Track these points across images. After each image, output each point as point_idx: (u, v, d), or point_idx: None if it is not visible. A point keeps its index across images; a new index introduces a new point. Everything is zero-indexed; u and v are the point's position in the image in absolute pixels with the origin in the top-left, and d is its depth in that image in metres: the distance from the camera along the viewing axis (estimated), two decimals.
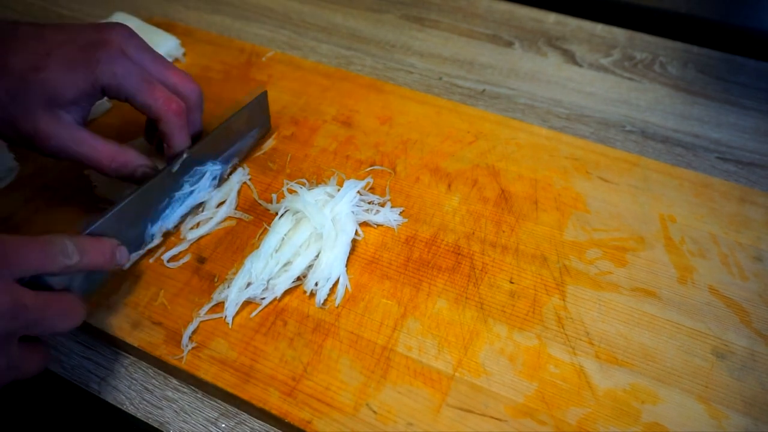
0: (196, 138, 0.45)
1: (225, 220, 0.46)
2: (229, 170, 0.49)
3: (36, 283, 0.32)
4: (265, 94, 0.51)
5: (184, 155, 0.43)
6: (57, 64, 0.38)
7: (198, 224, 0.45)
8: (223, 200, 0.47)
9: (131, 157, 0.41)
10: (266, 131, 0.54)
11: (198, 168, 0.45)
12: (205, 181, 0.46)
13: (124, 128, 0.51)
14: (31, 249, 0.31)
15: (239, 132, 0.49)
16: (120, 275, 0.42)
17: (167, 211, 0.44)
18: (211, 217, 0.46)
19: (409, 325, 0.40)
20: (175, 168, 0.43)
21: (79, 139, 0.39)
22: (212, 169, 0.46)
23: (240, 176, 0.49)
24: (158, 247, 0.44)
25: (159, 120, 0.41)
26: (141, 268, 0.43)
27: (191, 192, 0.45)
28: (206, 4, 0.75)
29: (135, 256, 0.42)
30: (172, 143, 0.42)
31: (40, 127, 0.38)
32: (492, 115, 0.56)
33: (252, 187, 0.49)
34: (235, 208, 0.47)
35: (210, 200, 0.46)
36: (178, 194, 0.44)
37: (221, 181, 0.48)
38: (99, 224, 0.37)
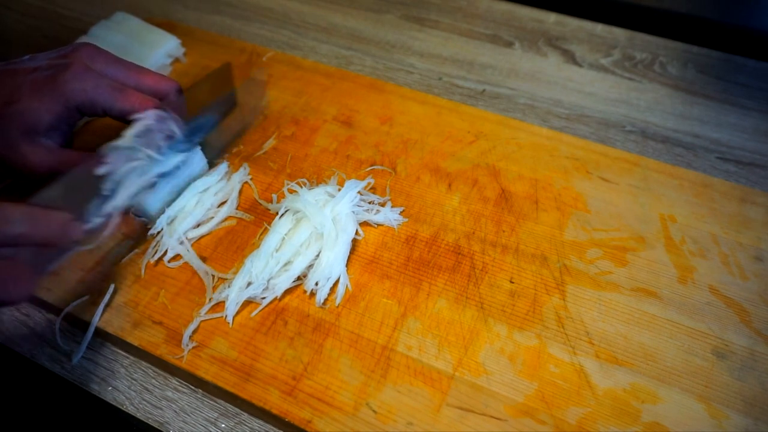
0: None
1: (225, 219, 0.46)
2: (194, 143, 0.46)
3: None
4: (228, 66, 0.48)
5: (137, 123, 0.40)
6: (28, 94, 0.39)
7: (198, 224, 0.45)
8: (224, 200, 0.47)
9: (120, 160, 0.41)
10: (232, 106, 0.50)
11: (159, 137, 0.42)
12: (167, 150, 0.43)
13: (124, 127, 0.51)
14: None
15: (202, 102, 0.46)
16: (121, 275, 0.42)
17: (131, 187, 0.40)
18: (212, 217, 0.46)
19: (410, 324, 0.40)
20: (130, 135, 0.40)
21: (66, 159, 0.40)
22: (163, 127, 0.42)
23: (241, 176, 0.49)
24: (158, 246, 0.44)
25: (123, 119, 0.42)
26: (141, 267, 0.43)
27: (143, 157, 0.41)
28: (206, 4, 0.75)
29: (92, 233, 0.37)
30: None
31: (27, 158, 0.39)
32: (492, 115, 0.56)
33: (253, 186, 0.49)
34: (236, 208, 0.47)
35: (209, 199, 0.46)
36: (137, 165, 0.40)
37: (182, 151, 0.44)
38: (46, 193, 0.34)
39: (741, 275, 0.43)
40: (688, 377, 0.38)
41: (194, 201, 0.46)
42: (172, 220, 0.45)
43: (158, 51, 0.59)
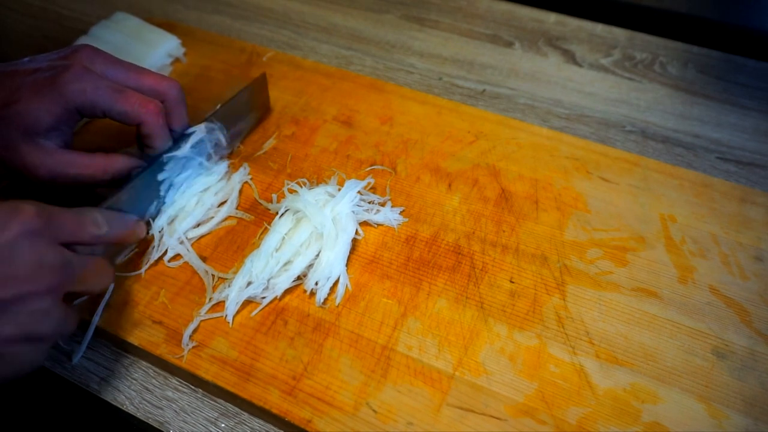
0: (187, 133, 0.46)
1: (225, 219, 0.46)
2: (231, 148, 0.51)
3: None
4: (264, 76, 0.53)
5: (194, 135, 0.45)
6: (27, 95, 0.39)
7: (198, 224, 0.45)
8: (224, 200, 0.47)
9: (122, 163, 0.42)
10: (266, 113, 0.56)
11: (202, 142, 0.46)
12: (205, 152, 0.47)
13: (124, 128, 0.51)
14: (67, 217, 0.33)
15: (239, 111, 0.51)
16: (121, 275, 0.42)
17: (171, 192, 0.46)
18: (212, 217, 0.46)
19: (410, 324, 0.40)
20: (183, 147, 0.44)
21: (67, 161, 0.41)
22: (213, 137, 0.47)
23: (241, 176, 0.49)
24: (158, 246, 0.44)
25: (139, 124, 0.42)
26: (141, 267, 0.43)
27: (195, 165, 0.46)
28: (206, 4, 0.75)
29: (150, 232, 0.44)
30: (154, 144, 0.43)
31: (27, 160, 0.39)
32: (492, 115, 0.56)
33: (253, 186, 0.49)
34: (236, 208, 0.47)
35: (210, 199, 0.46)
36: (181, 175, 0.46)
37: (221, 157, 0.49)
38: (116, 199, 0.40)
39: (741, 275, 0.43)
40: (688, 377, 0.38)
41: (194, 201, 0.46)
42: (172, 220, 0.45)
43: (158, 51, 0.60)
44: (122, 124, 0.42)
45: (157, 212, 0.44)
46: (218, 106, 0.48)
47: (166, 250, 0.43)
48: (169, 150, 0.44)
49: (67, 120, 0.41)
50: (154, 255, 0.43)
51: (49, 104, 0.39)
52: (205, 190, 0.47)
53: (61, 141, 0.41)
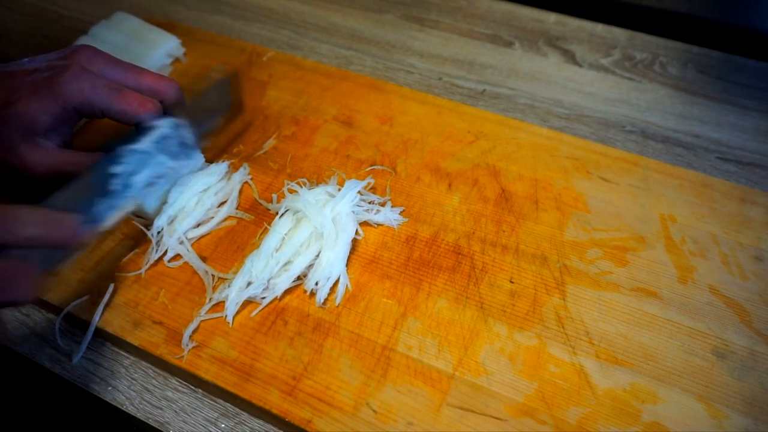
0: None
1: (225, 219, 0.46)
2: (200, 147, 0.47)
3: None
4: (236, 74, 0.50)
5: (157, 129, 0.42)
6: (26, 95, 0.39)
7: (198, 224, 0.45)
8: (224, 200, 0.47)
9: None
10: (238, 112, 0.52)
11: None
12: (181, 157, 0.44)
13: (123, 128, 0.51)
14: None
15: (209, 109, 0.48)
16: (121, 275, 0.42)
17: (127, 191, 0.41)
18: (212, 217, 0.46)
19: (410, 324, 0.40)
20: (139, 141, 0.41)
21: (66, 160, 0.41)
22: (178, 134, 0.44)
23: (241, 176, 0.49)
24: (158, 246, 0.44)
25: (138, 123, 0.42)
26: (141, 267, 0.43)
27: (156, 163, 0.43)
28: (206, 4, 0.75)
29: (92, 232, 0.38)
30: None
31: (26, 159, 0.39)
32: (492, 115, 0.56)
33: (253, 186, 0.49)
34: (236, 208, 0.47)
35: (210, 199, 0.46)
36: (141, 173, 0.41)
37: (187, 156, 0.46)
38: (58, 196, 0.36)
39: (741, 275, 0.43)
40: (688, 377, 0.38)
41: (194, 201, 0.46)
42: (172, 220, 0.45)
43: (158, 51, 0.59)
44: (121, 123, 0.42)
45: (107, 214, 0.39)
46: (186, 102, 0.45)
47: (166, 251, 0.43)
48: (128, 142, 0.40)
49: (65, 120, 0.41)
50: (154, 255, 0.43)
51: (47, 104, 0.39)
52: (205, 190, 0.47)
53: (60, 141, 0.41)
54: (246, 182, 0.49)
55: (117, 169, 0.39)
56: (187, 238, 0.44)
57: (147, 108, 0.41)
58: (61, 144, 0.41)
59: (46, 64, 0.41)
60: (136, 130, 0.42)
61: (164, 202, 0.45)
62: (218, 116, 0.50)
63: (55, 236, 0.32)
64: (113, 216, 0.39)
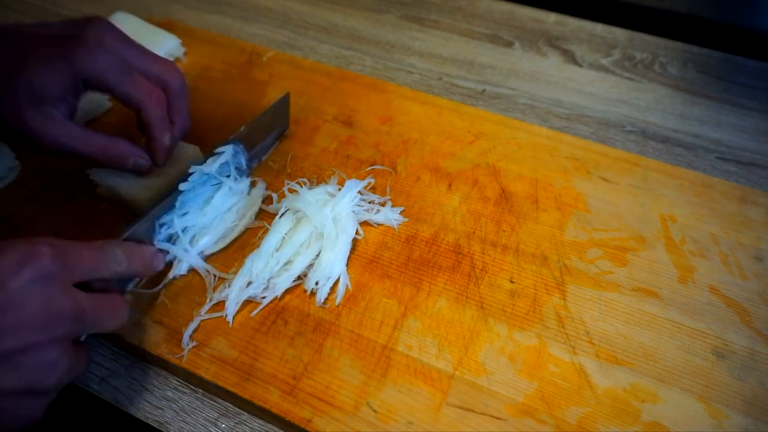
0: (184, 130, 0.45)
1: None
2: (251, 167, 0.49)
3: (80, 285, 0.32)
4: (287, 96, 0.53)
5: (221, 155, 0.44)
6: (37, 61, 0.39)
7: (216, 241, 0.44)
8: (244, 215, 0.46)
9: (123, 148, 0.42)
10: (285, 130, 0.54)
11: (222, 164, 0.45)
12: (238, 179, 0.47)
13: (125, 127, 0.51)
14: (86, 255, 0.32)
15: (262, 132, 0.50)
16: None
17: (181, 209, 0.44)
18: (230, 233, 0.45)
19: (410, 324, 0.40)
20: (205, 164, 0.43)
21: (71, 133, 0.40)
22: (235, 160, 0.46)
23: (260, 191, 0.47)
24: (178, 265, 0.43)
25: (140, 110, 0.41)
26: (159, 284, 0.43)
27: (213, 184, 0.45)
28: (206, 4, 0.75)
29: (164, 260, 0.41)
30: (152, 133, 0.42)
31: (31, 126, 0.39)
32: (492, 115, 0.56)
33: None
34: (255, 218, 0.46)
35: (232, 216, 0.45)
36: (197, 192, 0.44)
37: (243, 174, 0.48)
38: (137, 227, 0.39)
39: (741, 275, 0.43)
40: (688, 377, 0.38)
41: (217, 220, 0.45)
42: (192, 238, 0.43)
43: (158, 51, 0.59)
44: (121, 103, 0.42)
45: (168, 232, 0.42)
46: (241, 128, 0.47)
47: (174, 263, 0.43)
48: (196, 163, 0.43)
49: (72, 90, 0.40)
50: (172, 273, 0.42)
51: (59, 74, 0.39)
52: (229, 209, 0.46)
53: (66, 111, 0.40)
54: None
55: (185, 186, 0.42)
56: (204, 255, 0.44)
57: (152, 97, 0.41)
58: (66, 114, 0.41)
59: (60, 31, 0.40)
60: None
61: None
62: (270, 138, 0.52)
63: (139, 268, 0.36)
64: (183, 234, 0.43)
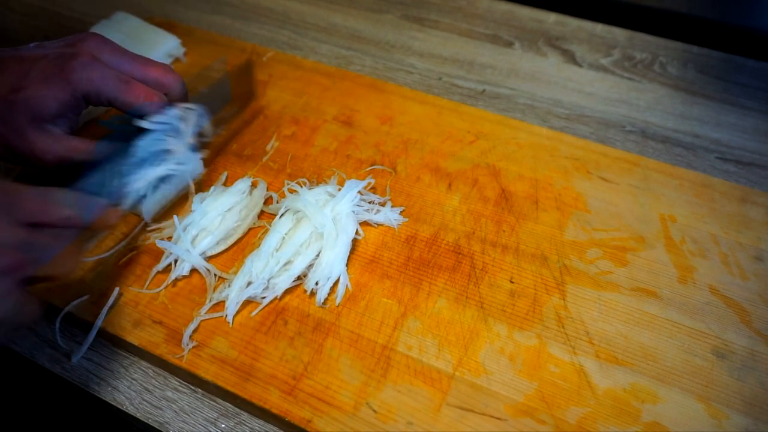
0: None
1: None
2: (214, 135, 0.47)
3: None
4: (249, 62, 0.52)
5: (171, 110, 0.43)
6: (35, 81, 0.39)
7: (218, 242, 0.44)
8: (246, 216, 0.46)
9: None
10: (250, 100, 0.54)
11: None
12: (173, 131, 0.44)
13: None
14: (31, 197, 0.32)
15: (222, 97, 0.49)
16: (121, 275, 0.42)
17: (143, 169, 0.42)
18: (232, 234, 0.45)
19: (410, 324, 0.40)
20: (144, 123, 0.42)
21: (73, 147, 0.41)
22: (194, 121, 0.44)
23: (261, 191, 0.47)
24: (180, 266, 0.42)
25: (143, 116, 0.42)
26: (160, 286, 0.43)
27: (165, 146, 0.43)
28: (206, 4, 0.75)
29: (117, 215, 0.40)
30: None
31: (34, 145, 0.40)
32: (492, 115, 0.56)
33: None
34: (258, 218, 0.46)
35: (233, 217, 0.45)
36: (151, 150, 0.42)
37: (203, 145, 0.46)
38: (85, 181, 0.37)
39: (741, 275, 0.43)
40: (688, 377, 0.38)
41: (218, 220, 0.44)
42: (194, 239, 0.43)
43: (158, 51, 0.60)
44: (125, 114, 0.42)
45: (121, 194, 0.40)
46: (201, 90, 0.46)
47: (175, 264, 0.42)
48: (141, 119, 0.41)
49: (73, 107, 0.41)
50: (173, 274, 0.42)
51: (57, 91, 0.40)
52: (230, 209, 0.45)
53: (67, 127, 0.42)
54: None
55: (144, 123, 0.41)
56: (206, 256, 0.43)
57: (153, 102, 0.41)
58: (68, 130, 0.42)
59: (55, 50, 0.41)
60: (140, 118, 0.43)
61: (163, 207, 0.45)
62: (231, 104, 0.51)
63: (89, 218, 0.35)
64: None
